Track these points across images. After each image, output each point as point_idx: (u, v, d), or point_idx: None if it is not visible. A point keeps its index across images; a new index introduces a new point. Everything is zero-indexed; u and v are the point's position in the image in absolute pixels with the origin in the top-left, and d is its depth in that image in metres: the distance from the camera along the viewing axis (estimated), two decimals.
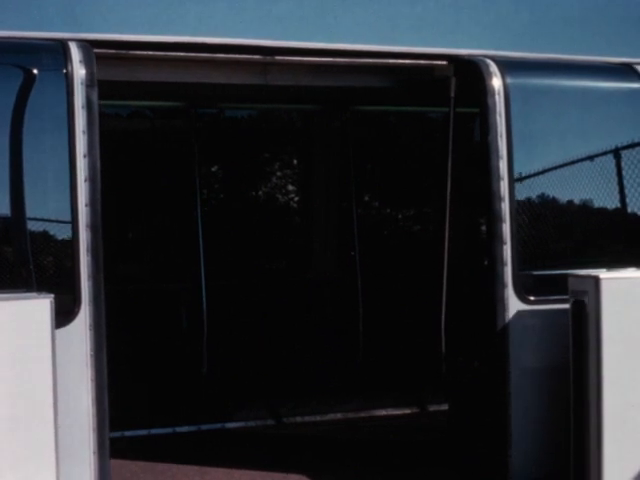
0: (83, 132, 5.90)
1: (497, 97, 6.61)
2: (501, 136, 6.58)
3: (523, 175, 6.76)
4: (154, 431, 8.23)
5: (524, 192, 6.81)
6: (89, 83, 5.95)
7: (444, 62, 7.03)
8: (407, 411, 9.09)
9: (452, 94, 6.92)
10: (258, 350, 9.20)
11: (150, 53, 6.53)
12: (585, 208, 7.17)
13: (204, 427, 8.54)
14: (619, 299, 6.04)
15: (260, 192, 10.72)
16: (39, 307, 5.44)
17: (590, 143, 7.08)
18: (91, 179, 5.88)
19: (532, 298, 6.56)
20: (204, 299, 9.03)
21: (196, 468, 7.24)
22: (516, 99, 6.68)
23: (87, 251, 5.84)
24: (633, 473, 6.07)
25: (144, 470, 7.15)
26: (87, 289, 5.83)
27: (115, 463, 6.22)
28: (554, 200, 7.06)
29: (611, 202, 7.21)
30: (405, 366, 9.14)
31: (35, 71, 6.03)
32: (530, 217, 6.78)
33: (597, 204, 7.21)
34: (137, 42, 6.46)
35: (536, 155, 6.96)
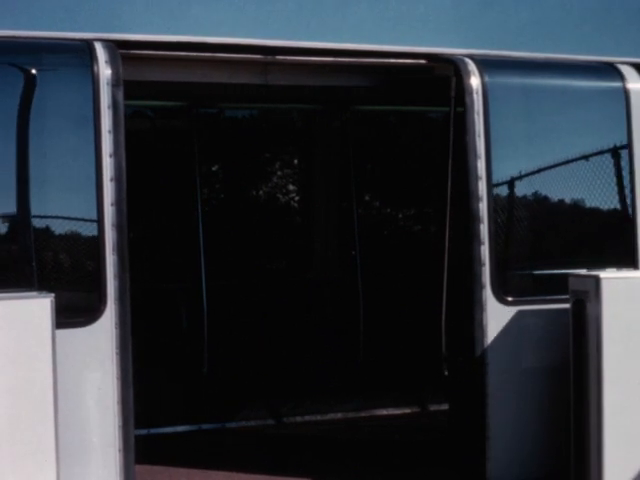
0: (109, 132, 5.98)
1: (475, 96, 6.56)
2: (479, 135, 6.54)
3: (502, 175, 6.69)
4: (154, 431, 8.23)
5: (503, 192, 6.75)
6: (115, 83, 6.03)
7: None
8: (407, 411, 9.09)
9: (452, 94, 6.90)
10: (258, 350, 9.19)
11: (151, 53, 6.54)
12: (565, 208, 7.10)
13: (204, 427, 8.54)
14: (619, 299, 6.05)
15: (260, 192, 10.70)
16: (39, 307, 5.44)
17: (570, 143, 7.01)
18: (117, 179, 5.97)
19: (510, 299, 6.54)
20: (204, 299, 9.02)
21: (196, 468, 7.25)
22: (494, 98, 6.62)
23: (113, 250, 5.94)
24: (633, 473, 6.07)
25: (144, 470, 7.12)
26: (113, 288, 5.92)
27: None
28: (533, 200, 6.99)
29: (591, 202, 7.12)
30: (405, 366, 9.13)
31: (62, 71, 6.12)
32: (509, 217, 6.75)
33: (577, 204, 7.14)
34: (158, 42, 6.50)
35: (515, 155, 6.89)
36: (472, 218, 6.50)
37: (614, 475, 6.03)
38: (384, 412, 9.04)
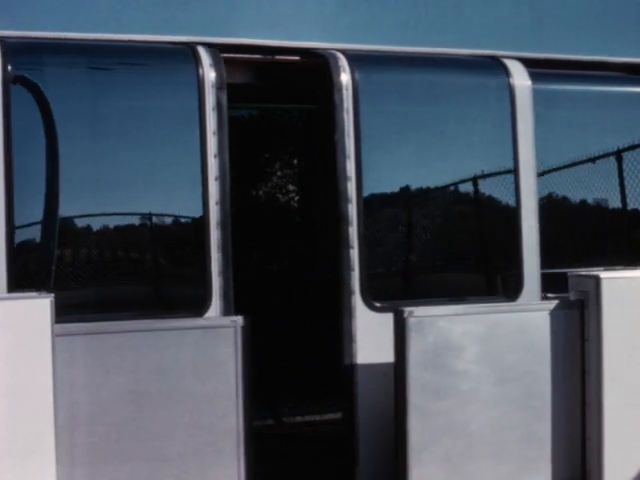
0: (213, 133, 6.06)
1: (344, 93, 6.38)
2: (348, 135, 6.36)
3: (373, 176, 6.44)
4: None
5: (374, 194, 6.53)
6: (219, 86, 6.11)
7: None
8: None
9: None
10: (258, 350, 9.17)
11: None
12: (441, 210, 6.90)
13: None
14: (619, 299, 6.04)
15: (260, 192, 10.70)
16: (39, 307, 5.44)
17: (449, 141, 6.74)
18: (221, 178, 6.04)
19: (380, 305, 6.36)
20: None
21: None
22: (365, 95, 6.41)
23: (218, 248, 6.04)
24: (633, 473, 6.07)
25: None
26: (218, 284, 6.04)
27: None
28: (407, 202, 6.79)
29: (470, 204, 6.87)
30: None
31: (171, 74, 6.29)
32: (380, 220, 6.57)
33: (454, 206, 6.91)
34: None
35: (388, 155, 6.61)
36: (341, 220, 6.33)
37: (614, 475, 6.03)
38: None
